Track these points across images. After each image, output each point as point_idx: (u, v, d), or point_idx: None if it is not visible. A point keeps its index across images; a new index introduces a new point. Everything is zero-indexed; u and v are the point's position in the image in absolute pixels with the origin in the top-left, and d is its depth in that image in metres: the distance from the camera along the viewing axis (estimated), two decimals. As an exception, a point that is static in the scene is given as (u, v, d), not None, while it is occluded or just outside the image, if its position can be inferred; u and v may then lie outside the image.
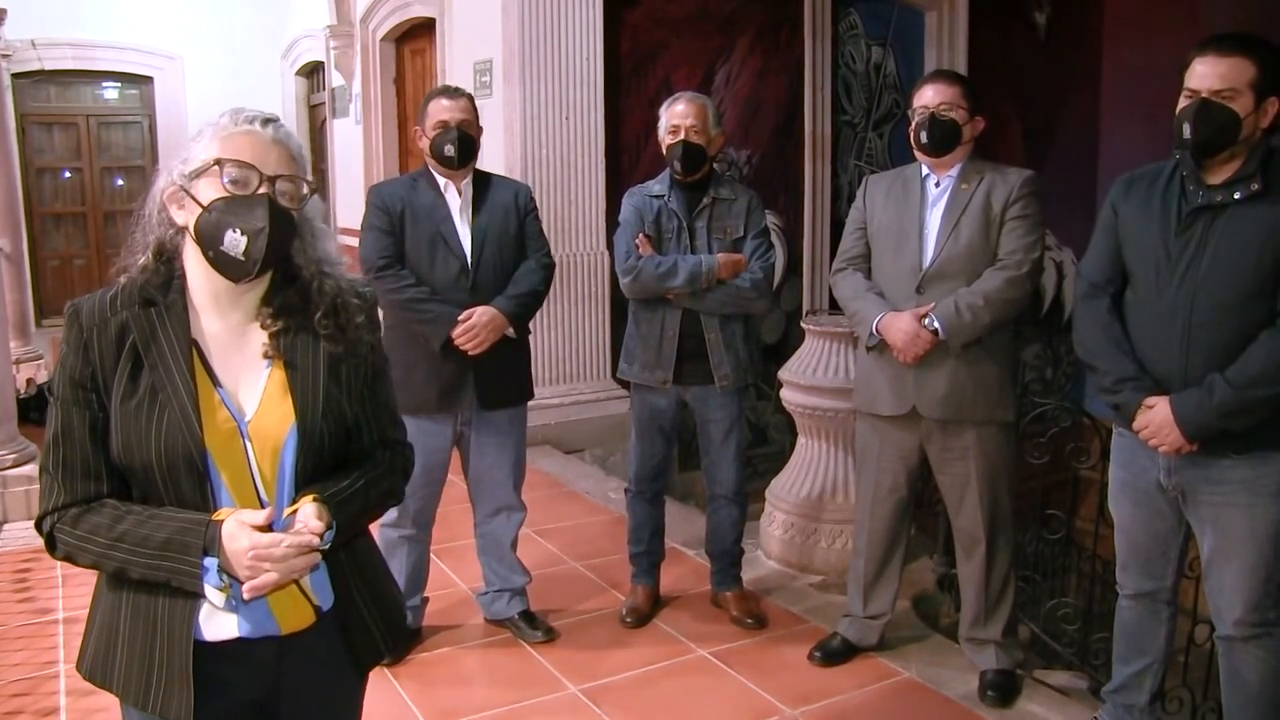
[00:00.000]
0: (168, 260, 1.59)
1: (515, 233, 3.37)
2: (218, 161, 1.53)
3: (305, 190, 1.59)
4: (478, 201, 3.35)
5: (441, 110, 3.30)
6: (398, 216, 3.27)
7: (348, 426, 1.65)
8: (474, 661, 3.41)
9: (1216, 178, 2.46)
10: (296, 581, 1.56)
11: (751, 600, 3.77)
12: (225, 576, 1.47)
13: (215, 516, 1.49)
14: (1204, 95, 2.39)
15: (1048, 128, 8.03)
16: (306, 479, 1.58)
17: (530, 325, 3.48)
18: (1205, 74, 2.40)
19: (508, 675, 3.31)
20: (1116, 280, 2.65)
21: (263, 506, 1.54)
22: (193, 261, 1.58)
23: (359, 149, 8.31)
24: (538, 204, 3.52)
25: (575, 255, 5.92)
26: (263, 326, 1.61)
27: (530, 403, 3.55)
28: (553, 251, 3.49)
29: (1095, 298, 2.68)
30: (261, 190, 1.53)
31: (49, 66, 9.66)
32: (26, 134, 9.91)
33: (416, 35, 7.50)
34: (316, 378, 1.60)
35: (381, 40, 7.88)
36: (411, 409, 3.26)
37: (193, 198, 1.54)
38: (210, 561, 1.46)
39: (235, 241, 1.51)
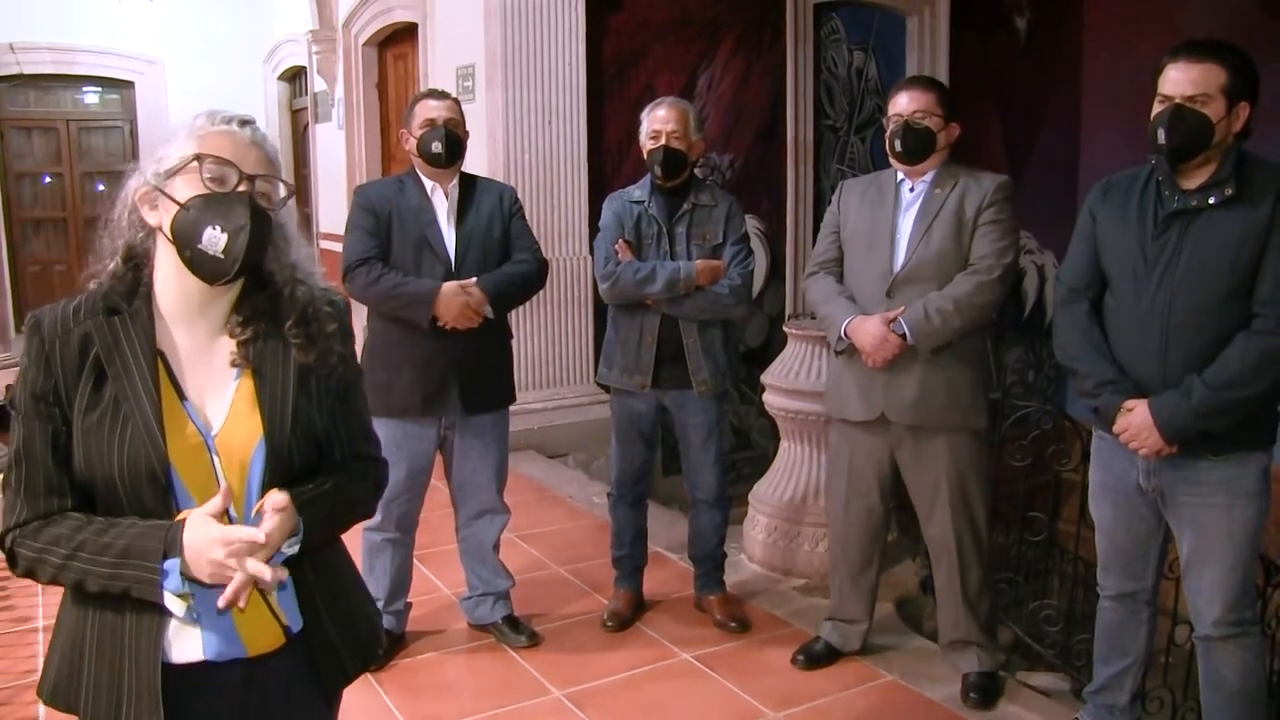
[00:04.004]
0: (136, 266, 1.54)
1: (500, 236, 3.37)
2: (197, 157, 1.48)
3: (282, 192, 1.55)
4: (464, 205, 3.34)
5: (429, 109, 3.30)
6: (384, 218, 3.26)
7: (318, 440, 1.59)
8: (458, 667, 3.40)
9: (1191, 182, 2.48)
10: (265, 600, 1.53)
11: (734, 604, 3.77)
12: (186, 583, 1.41)
13: (179, 518, 1.44)
14: (1177, 101, 2.42)
15: (1028, 132, 8.08)
16: None
17: (512, 329, 3.48)
18: (1178, 80, 2.43)
19: (491, 680, 3.30)
20: (1095, 284, 2.67)
21: (230, 521, 1.48)
22: (163, 267, 1.53)
23: (341, 154, 8.29)
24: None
25: (558, 260, 5.91)
26: (231, 335, 1.55)
27: (513, 407, 3.54)
28: (537, 255, 3.48)
29: (1074, 302, 2.70)
30: (241, 188, 1.49)
31: (28, 70, 9.59)
32: (5, 138, 9.85)
33: (399, 40, 7.49)
34: (285, 389, 1.55)
35: (364, 45, 7.87)
36: (396, 413, 3.27)
37: (168, 196, 1.49)
38: (171, 564, 1.40)
39: (214, 239, 1.46)
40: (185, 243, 1.47)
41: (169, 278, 1.53)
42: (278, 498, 1.45)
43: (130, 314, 1.51)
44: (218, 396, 1.54)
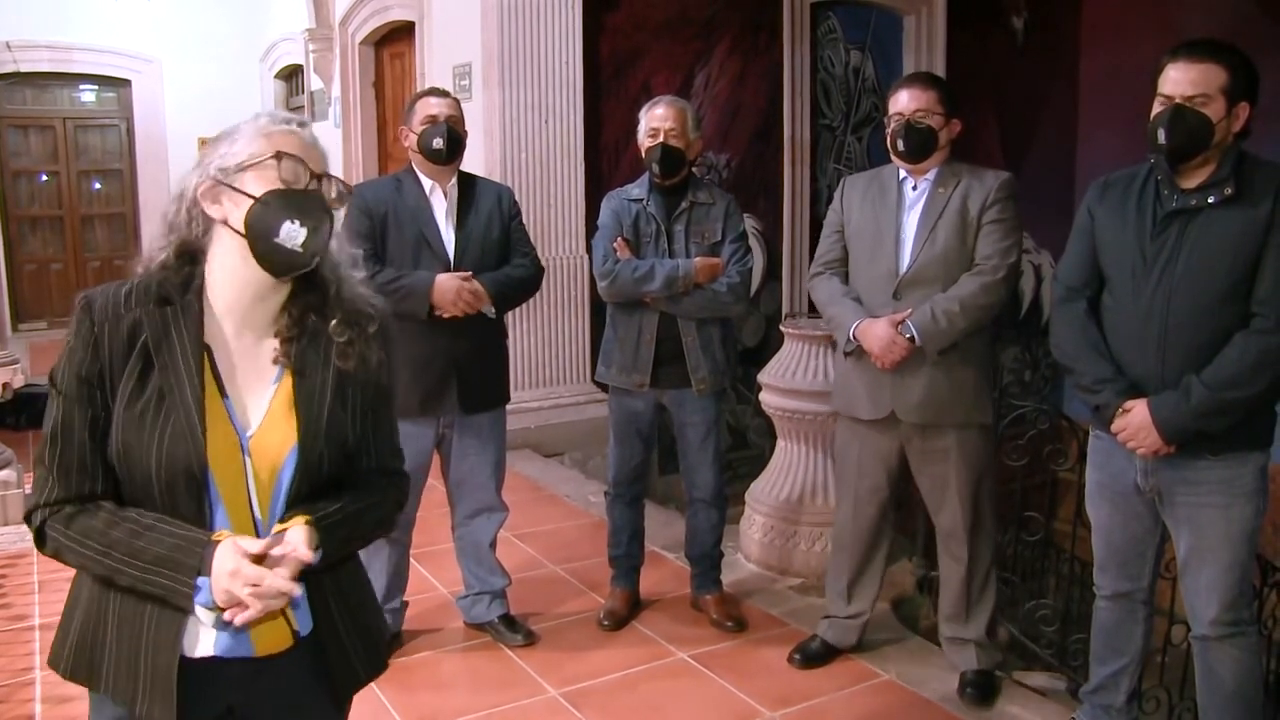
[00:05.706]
0: (190, 261, 1.54)
1: (500, 237, 3.37)
2: (278, 154, 1.49)
3: (338, 192, 1.58)
4: (463, 205, 3.34)
5: (430, 106, 3.31)
6: (379, 220, 3.26)
7: (348, 451, 1.60)
8: (454, 665, 3.40)
9: (1190, 182, 2.48)
10: None
11: (731, 603, 3.77)
12: (215, 600, 1.44)
13: (215, 537, 1.45)
14: (1177, 101, 2.41)
15: (1025, 131, 8.08)
16: (300, 501, 1.53)
17: (508, 328, 3.47)
18: (1178, 80, 2.42)
19: (488, 679, 3.30)
20: (1093, 283, 2.67)
21: (255, 523, 1.52)
22: (221, 261, 1.53)
23: (338, 153, 8.28)
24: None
25: (555, 259, 5.91)
26: (277, 334, 1.56)
27: (510, 406, 3.54)
28: (533, 256, 3.48)
29: (1072, 301, 2.70)
30: (312, 187, 1.52)
31: (25, 69, 9.57)
32: (2, 137, 9.83)
33: (396, 39, 7.48)
34: (323, 395, 1.56)
35: (361, 43, 7.86)
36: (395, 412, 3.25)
37: (239, 190, 1.49)
38: (204, 582, 1.42)
39: (294, 233, 1.47)
40: (260, 234, 1.48)
41: (226, 272, 1.53)
42: (304, 552, 1.45)
43: (182, 306, 1.52)
44: (257, 398, 1.55)
